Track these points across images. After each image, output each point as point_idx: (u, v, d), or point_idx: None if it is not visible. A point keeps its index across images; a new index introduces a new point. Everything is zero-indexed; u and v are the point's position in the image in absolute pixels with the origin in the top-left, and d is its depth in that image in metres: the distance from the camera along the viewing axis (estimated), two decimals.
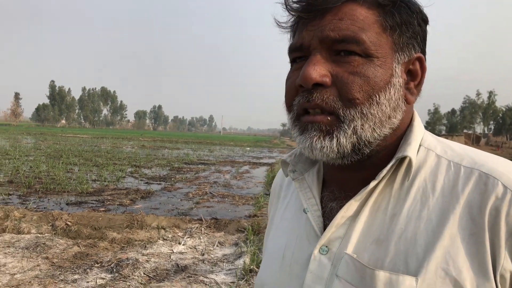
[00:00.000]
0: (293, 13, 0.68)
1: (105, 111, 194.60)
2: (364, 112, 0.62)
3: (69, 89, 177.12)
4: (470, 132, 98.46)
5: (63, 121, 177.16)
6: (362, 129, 0.63)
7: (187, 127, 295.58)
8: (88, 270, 4.59)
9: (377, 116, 0.63)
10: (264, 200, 8.87)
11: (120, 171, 13.53)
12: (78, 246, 5.41)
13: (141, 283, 4.29)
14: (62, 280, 4.28)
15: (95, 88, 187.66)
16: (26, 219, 6.34)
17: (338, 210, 0.67)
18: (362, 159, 0.67)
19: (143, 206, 8.16)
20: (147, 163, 17.00)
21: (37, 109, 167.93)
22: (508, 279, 0.57)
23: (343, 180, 0.72)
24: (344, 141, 0.63)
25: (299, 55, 0.68)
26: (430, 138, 0.71)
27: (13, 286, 4.07)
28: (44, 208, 7.46)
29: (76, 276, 4.39)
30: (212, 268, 4.84)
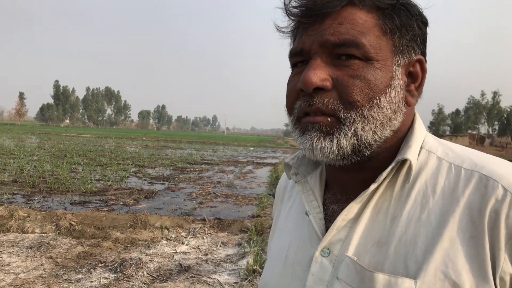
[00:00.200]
0: (293, 18, 0.68)
1: (109, 110, 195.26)
2: (365, 114, 0.63)
3: (73, 88, 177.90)
4: (474, 132, 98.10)
5: (67, 121, 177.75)
6: (363, 131, 0.63)
7: (190, 127, 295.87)
8: (91, 269, 4.60)
9: (378, 118, 0.64)
10: (267, 200, 8.87)
11: (123, 171, 13.57)
12: (82, 245, 5.43)
13: (144, 283, 4.29)
14: (65, 279, 4.29)
15: (99, 88, 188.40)
16: (30, 218, 6.37)
17: (340, 212, 0.68)
18: (362, 160, 0.67)
19: (147, 206, 8.17)
20: (151, 163, 17.04)
21: (42, 109, 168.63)
22: (508, 282, 0.57)
23: (344, 182, 0.72)
24: (344, 143, 0.63)
25: (300, 59, 0.68)
26: (432, 140, 0.71)
27: (17, 285, 4.09)
28: (48, 207, 7.49)
29: (79, 276, 4.40)
30: (215, 269, 4.85)
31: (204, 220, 6.99)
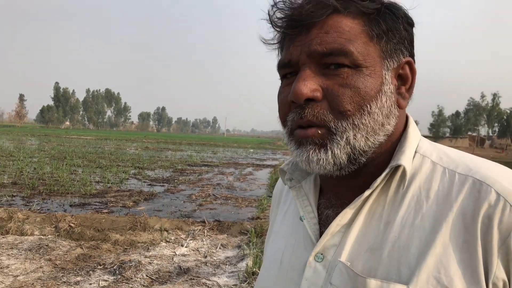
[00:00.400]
0: (278, 30, 0.68)
1: (109, 112, 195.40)
2: (356, 123, 0.63)
3: (73, 90, 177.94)
4: (474, 134, 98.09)
5: (67, 123, 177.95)
6: (355, 139, 0.63)
7: (190, 128, 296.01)
8: (91, 272, 4.60)
9: (369, 125, 0.63)
10: (267, 202, 8.87)
11: (123, 172, 13.56)
12: (81, 248, 5.42)
13: (143, 285, 4.29)
14: (64, 282, 4.29)
15: (99, 90, 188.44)
16: (29, 220, 6.36)
17: (334, 217, 0.68)
18: (359, 167, 0.67)
19: (146, 208, 8.17)
20: (151, 165, 17.04)
21: (42, 111, 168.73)
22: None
23: (339, 187, 0.72)
24: (339, 152, 0.63)
25: (288, 71, 0.68)
26: (426, 144, 0.71)
27: None
28: (48, 209, 7.48)
29: (78, 278, 4.40)
30: (215, 271, 4.84)
31: (204, 222, 6.99)
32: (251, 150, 38.98)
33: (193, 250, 5.59)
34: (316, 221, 0.72)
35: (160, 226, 6.44)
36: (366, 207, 0.66)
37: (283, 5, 0.65)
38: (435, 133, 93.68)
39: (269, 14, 0.67)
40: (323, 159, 0.63)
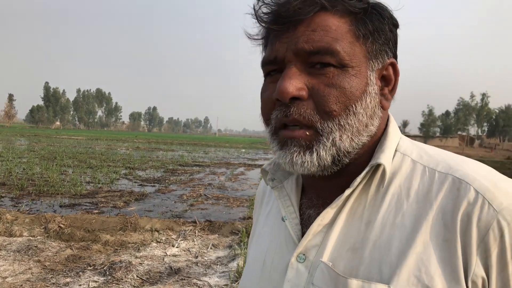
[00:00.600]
0: (264, 25, 0.67)
1: (99, 112, 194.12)
2: (342, 123, 0.62)
3: (63, 90, 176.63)
4: (464, 134, 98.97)
5: (58, 123, 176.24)
6: (341, 140, 0.63)
7: (182, 128, 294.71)
8: (80, 273, 4.56)
9: (354, 126, 0.63)
10: None
11: (114, 173, 13.48)
12: (71, 248, 5.38)
13: (134, 286, 4.26)
14: (54, 283, 4.25)
15: (90, 90, 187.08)
16: (18, 221, 6.29)
17: (316, 217, 0.67)
18: (341, 167, 0.67)
19: (137, 208, 8.13)
20: (142, 165, 16.95)
21: (31, 111, 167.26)
22: (480, 285, 0.57)
23: (321, 187, 0.72)
24: (324, 154, 0.63)
25: (273, 68, 0.67)
26: (407, 143, 0.71)
27: None
28: (37, 210, 7.41)
29: (68, 279, 4.36)
30: (206, 271, 4.83)
31: (195, 222, 6.97)
32: (243, 150, 38.94)
33: (184, 251, 5.57)
34: (298, 221, 0.71)
35: (151, 226, 6.41)
36: (347, 207, 0.66)
37: (269, 0, 0.64)
38: (425, 133, 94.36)
39: (254, 9, 0.66)
40: (307, 161, 0.63)
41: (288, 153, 0.64)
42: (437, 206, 0.60)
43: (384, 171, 0.65)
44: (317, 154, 0.62)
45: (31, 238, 5.77)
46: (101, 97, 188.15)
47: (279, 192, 0.76)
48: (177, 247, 5.68)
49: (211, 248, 5.71)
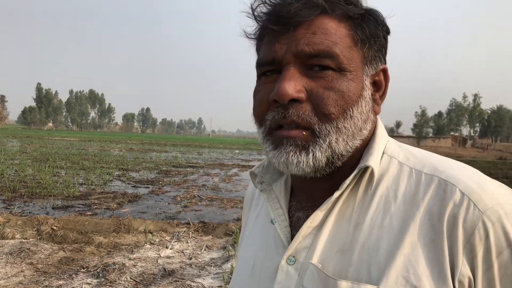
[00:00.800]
0: (261, 23, 0.66)
1: (92, 113, 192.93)
2: (339, 126, 0.63)
3: (56, 91, 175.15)
4: (456, 134, 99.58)
5: (50, 124, 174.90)
6: (337, 142, 0.63)
7: (175, 129, 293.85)
8: (73, 275, 4.54)
9: (350, 129, 0.64)
10: None
11: (107, 174, 13.42)
12: (64, 251, 5.35)
13: None
14: (46, 286, 4.22)
15: (83, 91, 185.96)
16: (10, 224, 6.25)
17: (305, 220, 0.68)
18: (333, 170, 0.67)
19: (130, 210, 8.10)
20: (135, 166, 16.89)
21: (23, 112, 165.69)
22: (466, 285, 0.58)
23: (310, 189, 0.72)
24: (320, 155, 0.63)
25: (270, 68, 0.67)
26: (394, 146, 0.72)
27: None
28: (29, 212, 7.36)
29: (61, 282, 4.34)
30: (200, 272, 4.83)
31: (189, 223, 6.96)
32: (237, 151, 38.92)
33: (178, 252, 5.56)
34: (287, 223, 0.72)
35: (144, 228, 6.40)
36: (336, 209, 0.66)
37: (269, 1, 0.64)
38: (418, 133, 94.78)
39: (252, 8, 0.66)
40: (303, 161, 0.63)
41: (283, 152, 0.64)
42: (424, 207, 0.61)
43: (372, 174, 0.66)
44: (312, 155, 0.63)
45: (23, 240, 5.72)
46: (94, 98, 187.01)
47: (268, 195, 0.76)
48: (170, 249, 5.67)
49: (205, 250, 5.71)
